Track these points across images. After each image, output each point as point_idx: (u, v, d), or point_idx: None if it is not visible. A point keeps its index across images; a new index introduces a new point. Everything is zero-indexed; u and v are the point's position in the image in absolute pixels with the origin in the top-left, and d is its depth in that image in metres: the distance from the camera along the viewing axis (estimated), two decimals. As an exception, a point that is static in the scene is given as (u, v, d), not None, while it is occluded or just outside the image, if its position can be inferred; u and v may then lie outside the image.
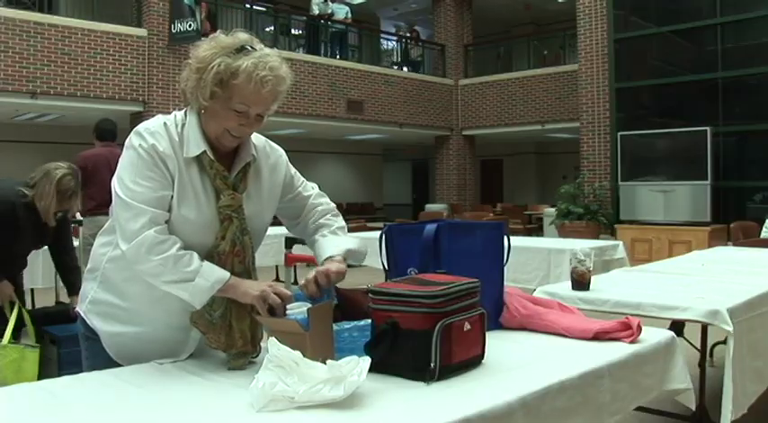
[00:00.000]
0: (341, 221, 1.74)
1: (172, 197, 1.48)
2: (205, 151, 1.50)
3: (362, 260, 1.68)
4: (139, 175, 1.46)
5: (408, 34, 15.40)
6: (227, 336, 1.50)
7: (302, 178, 1.78)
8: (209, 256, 1.51)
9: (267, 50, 1.50)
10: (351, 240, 1.67)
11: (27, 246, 3.29)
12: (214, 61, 1.45)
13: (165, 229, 1.47)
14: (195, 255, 1.47)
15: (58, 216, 3.14)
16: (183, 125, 1.52)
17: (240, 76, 1.44)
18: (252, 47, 1.48)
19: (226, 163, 1.55)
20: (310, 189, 1.78)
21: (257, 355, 1.54)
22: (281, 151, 1.73)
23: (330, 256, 1.59)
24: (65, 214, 3.22)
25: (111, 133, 5.30)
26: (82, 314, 1.65)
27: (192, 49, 1.52)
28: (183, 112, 1.56)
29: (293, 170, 1.75)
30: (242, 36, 1.49)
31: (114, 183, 1.49)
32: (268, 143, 1.71)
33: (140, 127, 1.51)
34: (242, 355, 1.51)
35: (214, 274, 1.46)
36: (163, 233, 1.45)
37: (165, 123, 1.52)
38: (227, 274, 1.48)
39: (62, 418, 1.19)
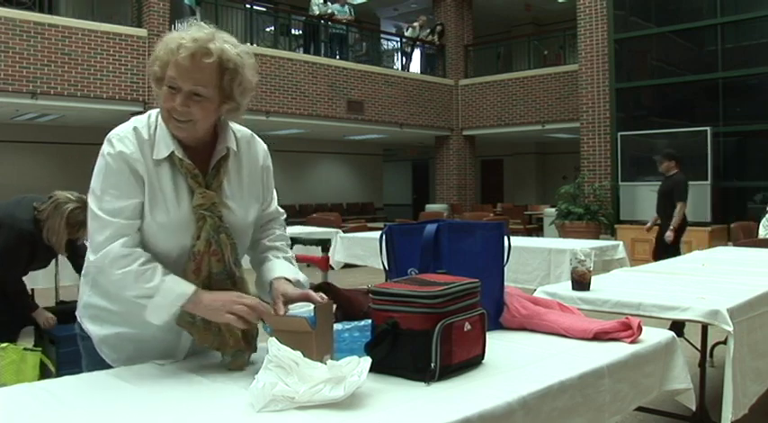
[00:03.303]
0: (292, 253, 1.72)
1: (144, 203, 1.46)
2: (174, 151, 1.47)
3: None
4: (107, 183, 1.44)
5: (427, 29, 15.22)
6: (216, 335, 1.48)
7: (275, 195, 1.73)
8: (188, 257, 1.48)
9: (211, 30, 1.46)
10: (301, 275, 1.64)
11: (40, 266, 3.45)
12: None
13: (133, 239, 1.45)
14: (159, 269, 1.44)
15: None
16: (157, 127, 1.50)
17: (163, 48, 1.43)
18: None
19: (203, 158, 1.52)
20: (277, 207, 1.74)
21: (254, 351, 1.53)
22: (265, 147, 1.68)
23: (287, 278, 1.56)
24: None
25: None
26: (78, 317, 1.64)
27: None
28: (157, 111, 1.52)
29: (272, 179, 1.70)
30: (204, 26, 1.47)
31: (89, 191, 1.49)
32: (254, 137, 1.66)
33: (111, 133, 1.49)
34: (240, 355, 1.50)
35: (174, 291, 1.43)
36: (128, 245, 1.43)
37: (135, 128, 1.49)
38: (190, 290, 1.43)
39: (62, 418, 1.19)
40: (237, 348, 1.49)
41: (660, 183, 6.52)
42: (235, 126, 1.61)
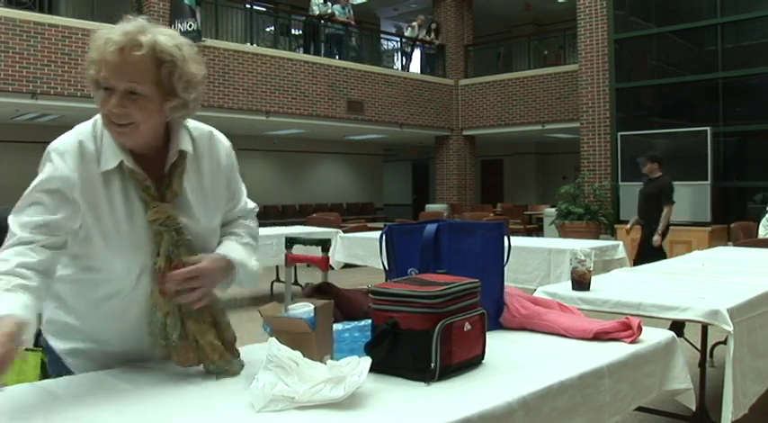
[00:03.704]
0: (250, 239, 1.59)
1: (81, 226, 1.35)
2: (123, 160, 1.36)
3: (249, 285, 1.55)
4: (30, 197, 1.33)
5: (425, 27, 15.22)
6: (197, 351, 1.41)
7: (244, 190, 1.62)
8: (151, 277, 1.39)
9: (143, 22, 1.35)
10: (246, 255, 1.51)
11: None
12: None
13: (24, 250, 1.28)
14: (10, 283, 1.22)
15: None
16: (103, 135, 1.38)
17: (94, 47, 1.33)
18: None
19: (157, 166, 1.41)
20: (246, 202, 1.63)
21: (238, 356, 1.48)
22: (228, 145, 1.56)
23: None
24: None
25: None
26: (42, 331, 1.53)
27: None
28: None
29: (238, 176, 1.58)
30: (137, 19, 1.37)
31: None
32: (213, 134, 1.53)
33: (52, 145, 1.38)
34: (229, 364, 1.43)
35: None
36: (12, 254, 1.27)
37: (80, 142, 1.37)
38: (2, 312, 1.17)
39: (62, 418, 1.19)
40: (223, 359, 1.42)
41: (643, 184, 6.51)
42: (192, 124, 1.50)
